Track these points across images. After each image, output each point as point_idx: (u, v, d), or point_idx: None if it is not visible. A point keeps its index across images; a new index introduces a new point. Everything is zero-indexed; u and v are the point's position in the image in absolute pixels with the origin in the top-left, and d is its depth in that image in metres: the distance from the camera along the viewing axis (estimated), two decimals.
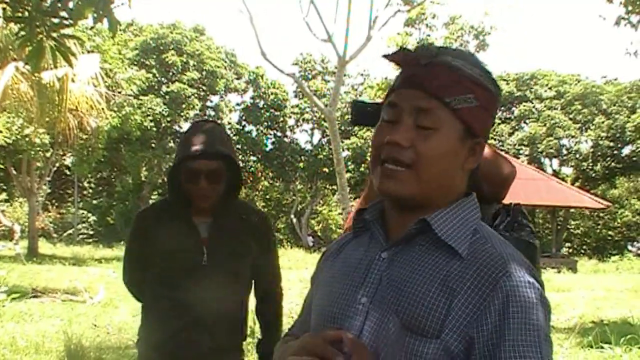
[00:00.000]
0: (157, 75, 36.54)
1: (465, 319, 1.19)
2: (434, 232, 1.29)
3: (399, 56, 1.36)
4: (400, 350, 1.23)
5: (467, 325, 1.19)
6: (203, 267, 2.73)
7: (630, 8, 10.00)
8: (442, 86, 1.29)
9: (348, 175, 31.81)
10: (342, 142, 24.58)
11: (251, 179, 40.39)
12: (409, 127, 1.30)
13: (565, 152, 41.81)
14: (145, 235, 2.87)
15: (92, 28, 20.54)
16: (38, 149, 23.35)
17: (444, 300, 1.22)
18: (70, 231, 38.70)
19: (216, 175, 2.71)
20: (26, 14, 4.00)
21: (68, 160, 31.46)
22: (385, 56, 1.37)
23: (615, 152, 40.33)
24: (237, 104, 43.14)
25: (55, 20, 4.02)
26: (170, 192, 2.85)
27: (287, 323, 2.57)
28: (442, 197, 1.33)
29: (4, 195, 37.07)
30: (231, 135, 41.89)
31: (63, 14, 4.01)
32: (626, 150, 40.36)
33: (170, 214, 2.84)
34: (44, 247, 27.88)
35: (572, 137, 40.77)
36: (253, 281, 2.95)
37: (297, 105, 42.93)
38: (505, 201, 2.62)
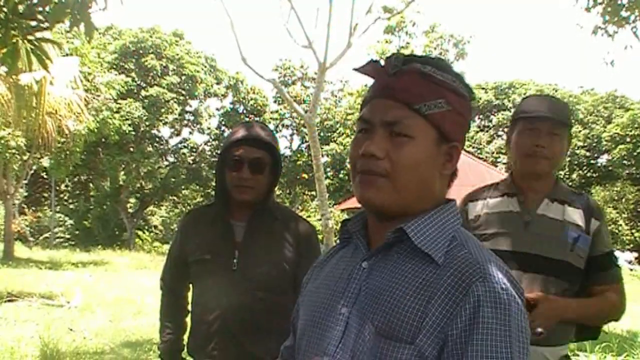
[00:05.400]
0: (136, 79, 36.37)
1: (439, 325, 1.19)
2: (410, 241, 1.30)
3: (369, 68, 1.37)
4: (375, 356, 1.23)
5: (440, 330, 1.19)
6: (233, 272, 2.63)
7: (607, 18, 10.06)
8: (410, 93, 1.29)
9: (327, 181, 31.83)
10: (322, 148, 24.60)
11: None
12: (383, 137, 1.31)
13: None
14: (184, 237, 2.83)
15: (69, 31, 20.43)
16: (14, 151, 23.10)
17: (418, 306, 1.22)
18: (46, 235, 38.41)
19: (259, 165, 2.66)
20: (1, 15, 3.96)
21: (45, 163, 31.19)
22: (356, 69, 1.37)
23: (592, 161, 40.76)
24: (217, 109, 43.29)
25: (32, 23, 3.99)
26: (215, 188, 2.81)
27: None
28: (421, 204, 1.33)
29: None
30: (210, 140, 41.99)
31: (40, 17, 3.98)
32: (602, 160, 40.80)
33: (210, 216, 2.79)
34: (20, 250, 27.57)
35: None
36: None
37: (276, 111, 43.04)
38: None
